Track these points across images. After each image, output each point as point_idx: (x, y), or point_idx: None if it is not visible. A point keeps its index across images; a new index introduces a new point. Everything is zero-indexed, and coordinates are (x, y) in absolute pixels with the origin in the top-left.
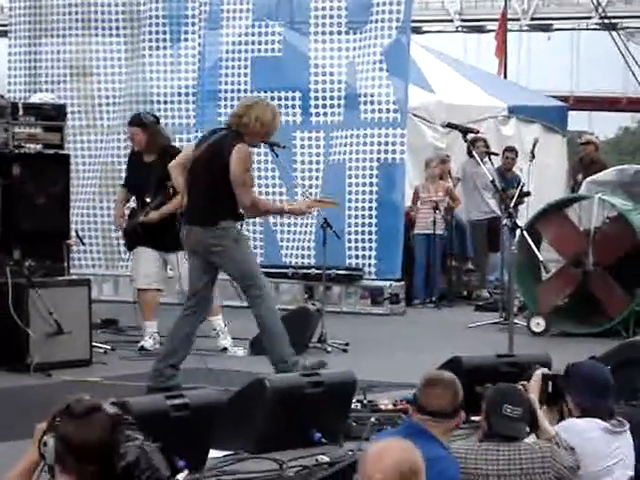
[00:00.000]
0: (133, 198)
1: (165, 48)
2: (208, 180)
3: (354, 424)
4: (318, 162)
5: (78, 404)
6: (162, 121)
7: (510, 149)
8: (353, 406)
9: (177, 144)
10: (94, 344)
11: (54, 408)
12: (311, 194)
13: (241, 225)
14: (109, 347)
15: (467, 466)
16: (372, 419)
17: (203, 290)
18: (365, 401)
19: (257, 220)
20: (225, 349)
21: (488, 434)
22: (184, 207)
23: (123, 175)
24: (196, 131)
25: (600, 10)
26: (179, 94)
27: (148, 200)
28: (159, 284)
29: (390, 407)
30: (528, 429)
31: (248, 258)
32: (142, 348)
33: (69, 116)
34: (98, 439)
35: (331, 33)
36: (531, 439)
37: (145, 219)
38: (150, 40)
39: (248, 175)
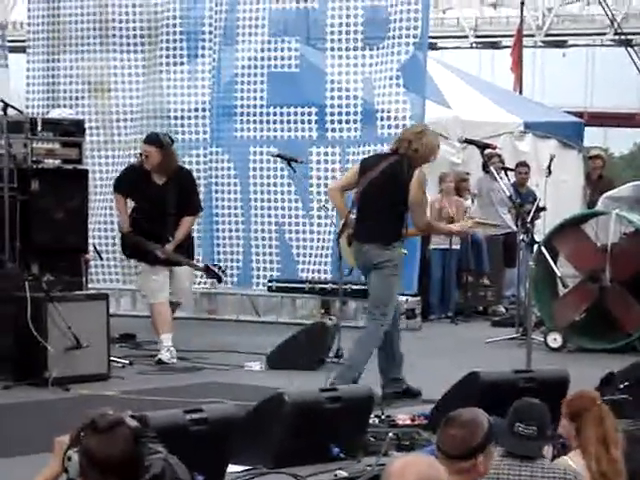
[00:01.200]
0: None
1: (182, 64)
2: (384, 202)
3: (372, 439)
4: (334, 177)
5: (102, 419)
6: (178, 137)
7: (523, 164)
8: (371, 421)
9: (193, 159)
10: (112, 358)
11: (78, 422)
12: (327, 209)
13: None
14: (127, 361)
15: None
16: (390, 434)
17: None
18: (383, 416)
19: (273, 235)
20: (160, 360)
21: (505, 454)
22: (355, 226)
23: None
24: (211, 146)
25: (615, 26)
26: (195, 109)
27: (168, 237)
28: (170, 297)
29: (408, 422)
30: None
31: (394, 285)
32: (160, 361)
33: (87, 132)
34: (122, 453)
35: (347, 49)
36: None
37: (165, 255)
38: (167, 56)
39: (425, 198)
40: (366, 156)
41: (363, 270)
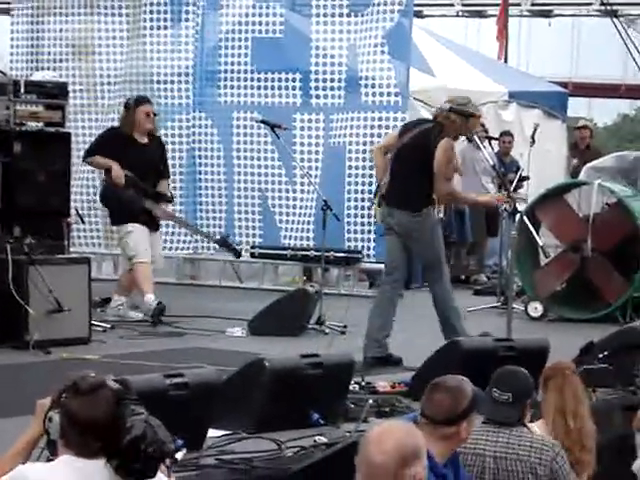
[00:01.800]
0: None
1: (166, 28)
2: (414, 167)
3: (352, 406)
4: (318, 144)
5: (84, 381)
6: (161, 101)
7: (507, 133)
8: (351, 388)
9: (176, 124)
10: (93, 322)
11: (59, 385)
12: (310, 176)
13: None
14: (108, 326)
15: (467, 445)
16: (370, 401)
17: (403, 266)
18: (363, 383)
19: (256, 201)
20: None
21: (484, 419)
22: (385, 188)
23: None
24: (194, 111)
25: None
26: (178, 74)
27: (158, 191)
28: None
29: (388, 389)
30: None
31: (439, 244)
32: (156, 318)
33: (70, 95)
34: (103, 414)
35: (333, 15)
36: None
37: (158, 214)
38: (151, 20)
39: (450, 167)
40: (408, 120)
41: (394, 232)
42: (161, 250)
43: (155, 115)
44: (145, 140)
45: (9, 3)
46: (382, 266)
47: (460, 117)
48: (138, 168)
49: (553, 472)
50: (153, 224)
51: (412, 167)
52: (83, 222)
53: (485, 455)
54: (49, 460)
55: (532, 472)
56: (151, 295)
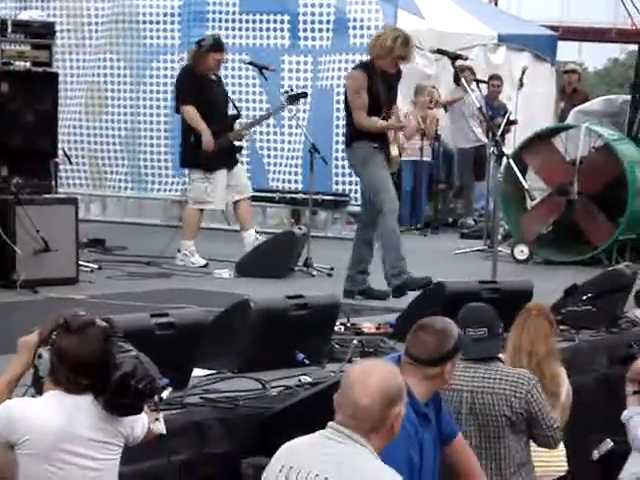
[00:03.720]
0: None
1: None
2: (346, 103)
3: (337, 346)
4: (306, 87)
5: (74, 319)
6: (147, 42)
7: (496, 77)
8: (336, 329)
9: (161, 65)
10: (81, 263)
11: (49, 322)
12: (298, 118)
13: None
14: (96, 266)
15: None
16: (355, 341)
17: (370, 203)
18: (348, 324)
19: (243, 144)
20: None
21: (463, 357)
22: None
23: (111, 95)
24: (182, 52)
25: None
26: (164, 14)
27: (233, 116)
28: (237, 195)
29: (373, 330)
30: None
31: (373, 176)
32: (206, 265)
33: (58, 34)
34: (93, 352)
35: None
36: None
37: (246, 134)
38: None
39: (356, 97)
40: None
41: None
42: (246, 180)
43: (221, 62)
44: (215, 78)
45: None
46: None
47: (378, 46)
48: (217, 103)
49: (528, 404)
50: (234, 161)
51: (346, 104)
52: (70, 163)
53: (462, 390)
54: (34, 397)
55: (507, 404)
56: (190, 242)
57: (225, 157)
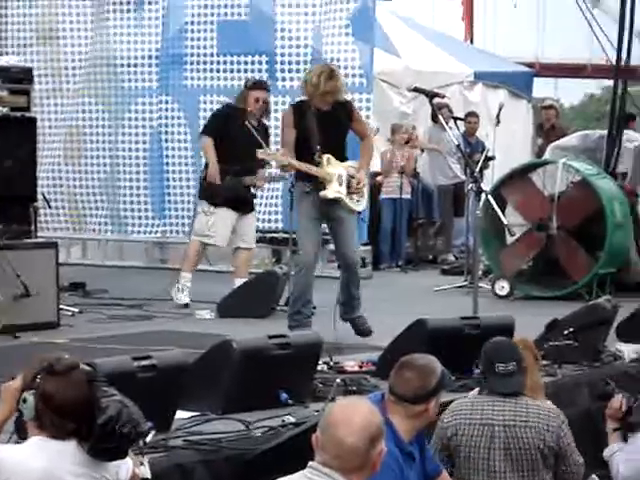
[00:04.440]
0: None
1: (129, 11)
2: None
3: (320, 385)
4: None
5: (58, 362)
6: (125, 84)
7: (472, 114)
8: (319, 367)
9: (139, 107)
10: (61, 307)
11: (30, 366)
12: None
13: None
14: (76, 310)
15: (473, 416)
16: (338, 380)
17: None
18: (331, 363)
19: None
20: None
21: (487, 393)
22: None
23: (90, 138)
24: (160, 94)
25: None
26: (142, 57)
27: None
28: (241, 243)
29: (356, 369)
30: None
31: (300, 224)
32: (186, 305)
33: (36, 79)
34: (79, 395)
35: None
36: None
37: (261, 184)
38: (114, 3)
39: (282, 134)
40: None
41: None
42: (254, 231)
43: (265, 102)
44: (254, 122)
45: None
46: None
47: (305, 83)
48: (242, 143)
49: (559, 438)
50: (247, 206)
51: None
52: (50, 207)
53: (494, 424)
54: (18, 444)
55: (541, 438)
56: (188, 274)
57: (234, 198)
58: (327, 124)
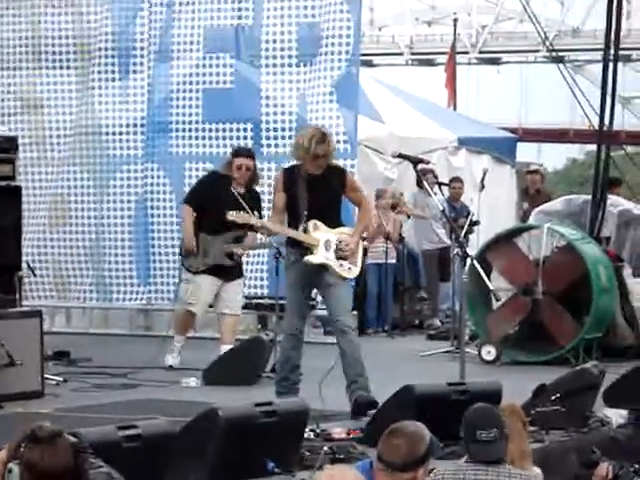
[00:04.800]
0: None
1: (114, 80)
2: None
3: (307, 453)
4: (270, 193)
5: (42, 430)
6: (110, 152)
7: (456, 179)
8: (306, 435)
9: (124, 175)
10: (46, 376)
11: (15, 437)
12: None
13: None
14: (61, 379)
15: None
16: (325, 448)
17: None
18: (318, 430)
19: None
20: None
21: (470, 460)
22: None
23: (75, 206)
24: (146, 162)
25: (547, 43)
26: (127, 125)
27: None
28: (225, 309)
29: (343, 436)
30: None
31: (287, 292)
32: (170, 367)
33: (20, 148)
34: (65, 463)
35: (282, 65)
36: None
37: (241, 252)
38: (99, 72)
39: (273, 197)
40: None
41: None
42: (239, 297)
43: (248, 170)
44: (241, 190)
45: None
46: None
47: (293, 147)
48: (226, 214)
49: None
50: (230, 273)
51: None
52: (34, 275)
53: None
54: None
55: None
56: (180, 337)
57: (213, 265)
58: (317, 188)
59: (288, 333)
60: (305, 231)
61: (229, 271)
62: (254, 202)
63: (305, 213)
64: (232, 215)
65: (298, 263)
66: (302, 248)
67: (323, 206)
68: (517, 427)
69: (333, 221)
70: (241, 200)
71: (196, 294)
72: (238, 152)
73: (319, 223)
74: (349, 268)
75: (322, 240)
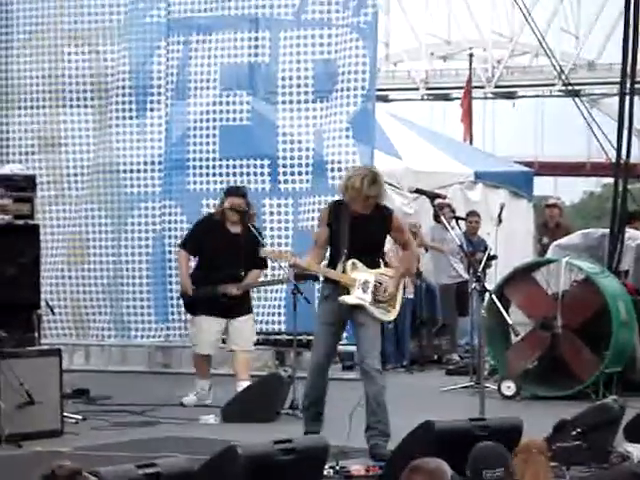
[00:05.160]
0: (171, 258)
1: (131, 118)
2: None
3: None
4: (287, 229)
5: (61, 469)
6: (127, 190)
7: (473, 213)
8: (325, 472)
9: (142, 212)
10: (65, 414)
11: (37, 475)
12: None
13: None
14: (80, 417)
15: None
16: None
17: None
18: (337, 467)
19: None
20: (181, 403)
21: None
22: None
23: (93, 244)
24: (163, 199)
25: (563, 77)
26: (145, 163)
27: (242, 273)
28: (235, 347)
29: (362, 473)
30: None
31: (315, 325)
32: (181, 404)
33: (39, 187)
34: None
35: (298, 102)
36: None
37: (237, 292)
38: (117, 110)
39: (317, 233)
40: None
41: None
42: (248, 333)
43: (240, 210)
44: (237, 229)
45: None
46: (355, 348)
47: (344, 187)
48: (222, 255)
49: None
50: (232, 311)
51: None
52: (53, 313)
53: None
54: None
55: None
56: (203, 381)
57: (211, 306)
58: (361, 228)
59: (311, 368)
60: (343, 270)
61: (231, 309)
62: (252, 239)
63: (345, 252)
64: (265, 251)
65: (331, 298)
66: (337, 286)
67: (365, 246)
68: (543, 465)
69: (374, 261)
70: (238, 240)
71: (198, 335)
72: (229, 191)
73: (358, 263)
74: (387, 311)
75: (360, 281)
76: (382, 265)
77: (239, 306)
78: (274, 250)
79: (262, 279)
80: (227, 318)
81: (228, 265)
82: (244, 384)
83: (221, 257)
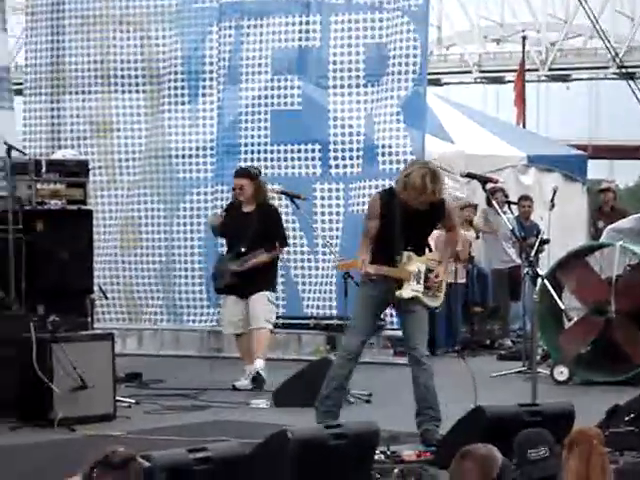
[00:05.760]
0: (222, 242)
1: (184, 103)
2: None
3: (378, 476)
4: (338, 213)
5: (115, 455)
6: (180, 175)
7: (525, 197)
8: (376, 457)
9: (194, 197)
10: (118, 398)
11: (90, 459)
12: (332, 244)
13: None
14: (133, 401)
15: None
16: (396, 470)
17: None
18: (388, 452)
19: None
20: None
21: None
22: None
23: (146, 229)
24: (216, 184)
25: (617, 60)
26: (197, 148)
27: (243, 250)
28: (244, 329)
29: (414, 458)
30: None
31: (355, 309)
32: (233, 387)
33: (91, 172)
34: None
35: (349, 86)
36: None
37: (238, 269)
38: (169, 96)
39: (365, 222)
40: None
41: None
42: (258, 311)
43: (242, 189)
44: (249, 209)
45: (21, 84)
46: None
47: (403, 183)
48: (235, 234)
49: None
50: (245, 290)
51: None
52: (106, 298)
53: None
54: None
55: None
56: (249, 366)
57: (231, 284)
58: (415, 222)
59: (342, 353)
60: (397, 265)
61: (242, 288)
62: (266, 218)
63: (402, 246)
64: (338, 267)
65: (378, 287)
66: (389, 282)
67: (418, 237)
68: (604, 455)
69: (423, 248)
70: (246, 220)
71: (223, 315)
72: (235, 173)
73: (413, 255)
74: (435, 296)
75: (413, 272)
76: (427, 250)
77: (251, 285)
78: (345, 261)
79: (265, 256)
80: (244, 297)
81: (236, 243)
82: (257, 363)
83: (233, 236)
